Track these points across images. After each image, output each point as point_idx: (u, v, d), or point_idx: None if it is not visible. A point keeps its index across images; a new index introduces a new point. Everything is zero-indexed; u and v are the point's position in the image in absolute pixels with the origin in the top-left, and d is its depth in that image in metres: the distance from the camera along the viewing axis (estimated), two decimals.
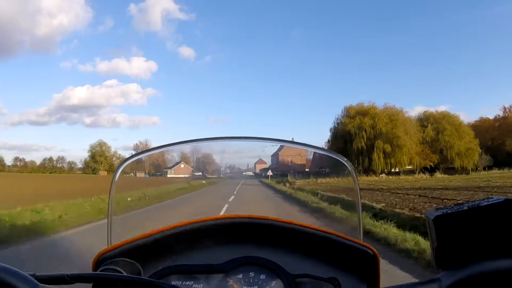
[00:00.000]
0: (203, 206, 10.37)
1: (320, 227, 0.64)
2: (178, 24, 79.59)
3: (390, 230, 5.53)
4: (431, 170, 34.85)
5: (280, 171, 40.43)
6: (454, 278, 0.44)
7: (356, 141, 34.09)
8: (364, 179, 30.07)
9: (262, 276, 0.60)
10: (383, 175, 33.65)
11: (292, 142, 0.78)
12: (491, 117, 46.08)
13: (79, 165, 68.42)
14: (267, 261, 0.62)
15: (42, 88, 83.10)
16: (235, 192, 13.77)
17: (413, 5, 63.51)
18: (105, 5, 78.95)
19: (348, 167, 0.68)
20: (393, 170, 34.95)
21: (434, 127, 37.11)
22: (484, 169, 37.40)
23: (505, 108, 44.51)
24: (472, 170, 36.79)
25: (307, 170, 48.76)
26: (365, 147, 33.91)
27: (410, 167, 34.93)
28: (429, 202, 9.74)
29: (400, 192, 14.71)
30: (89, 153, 66.79)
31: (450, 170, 35.70)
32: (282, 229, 0.64)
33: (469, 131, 38.29)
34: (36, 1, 68.43)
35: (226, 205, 9.62)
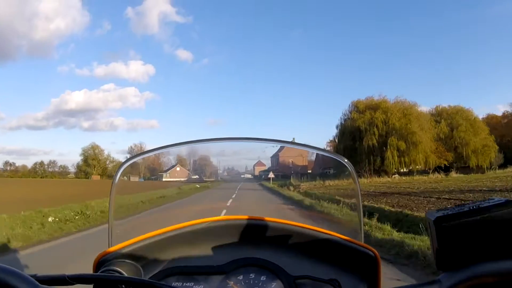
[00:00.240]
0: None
1: (321, 228, 0.64)
2: (175, 27, 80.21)
3: None
4: (445, 170, 31.97)
5: (281, 173, 37.52)
6: (455, 280, 0.43)
7: (366, 138, 30.60)
8: (376, 181, 27.09)
9: (263, 278, 0.61)
10: (396, 175, 30.43)
11: (292, 142, 0.79)
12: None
13: (71, 169, 66.69)
14: (268, 262, 0.62)
15: (39, 92, 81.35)
16: (228, 203, 10.46)
17: (412, 5, 62.79)
18: (102, 9, 78.54)
19: (349, 167, 0.68)
20: (402, 170, 31.96)
21: (448, 123, 33.95)
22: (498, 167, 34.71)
23: None
24: (486, 168, 34.04)
25: (309, 171, 46.07)
26: (376, 144, 30.41)
27: (419, 167, 31.85)
28: None
29: (437, 196, 11.75)
30: (82, 157, 64.96)
31: (464, 169, 32.89)
32: (282, 230, 0.65)
33: (483, 126, 35.26)
34: (33, 5, 66.97)
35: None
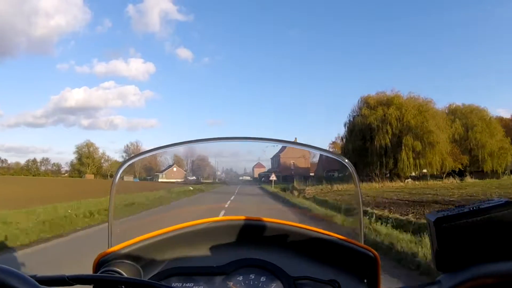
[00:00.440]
0: None
1: (320, 229, 0.64)
2: (176, 25, 79.83)
3: None
4: (459, 174, 29.48)
5: (282, 176, 35.10)
6: (455, 281, 0.43)
7: (378, 137, 27.11)
8: (389, 185, 24.35)
9: (263, 278, 0.61)
10: (409, 180, 27.63)
11: (293, 142, 0.78)
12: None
13: (65, 168, 64.97)
14: (267, 263, 0.63)
15: (39, 89, 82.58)
16: (221, 214, 8.18)
17: (411, 4, 62.73)
18: (103, 6, 78.33)
19: (349, 167, 0.69)
20: (413, 173, 29.33)
21: (463, 123, 31.13)
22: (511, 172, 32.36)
23: None
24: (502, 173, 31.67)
25: (311, 174, 43.75)
26: (390, 144, 27.01)
27: (431, 171, 29.25)
28: None
29: None
30: (76, 155, 63.10)
31: (478, 174, 30.45)
32: (282, 231, 0.65)
33: (499, 127, 32.63)
34: (33, 2, 67.87)
35: None
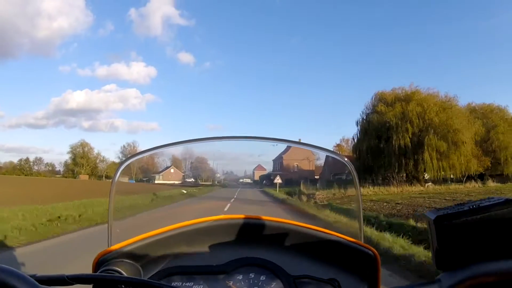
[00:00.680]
0: None
1: (320, 228, 0.64)
2: (178, 29, 79.11)
3: None
4: (480, 177, 26.89)
5: (286, 178, 32.53)
6: (455, 279, 0.43)
7: (397, 137, 24.34)
8: (408, 190, 21.51)
9: (262, 277, 0.62)
10: (430, 183, 24.93)
11: (295, 142, 0.76)
12: None
13: (58, 168, 63.53)
14: (267, 262, 0.63)
15: (40, 91, 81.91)
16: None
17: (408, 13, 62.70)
18: (105, 9, 78.30)
19: (349, 167, 0.69)
20: (427, 176, 26.71)
21: (484, 123, 28.46)
22: None
23: None
24: None
25: (316, 177, 41.13)
26: (410, 144, 24.21)
27: (443, 173, 26.56)
28: None
29: None
30: (70, 155, 61.42)
31: (498, 178, 27.90)
32: (282, 229, 0.65)
33: None
34: (36, 4, 67.80)
35: None
